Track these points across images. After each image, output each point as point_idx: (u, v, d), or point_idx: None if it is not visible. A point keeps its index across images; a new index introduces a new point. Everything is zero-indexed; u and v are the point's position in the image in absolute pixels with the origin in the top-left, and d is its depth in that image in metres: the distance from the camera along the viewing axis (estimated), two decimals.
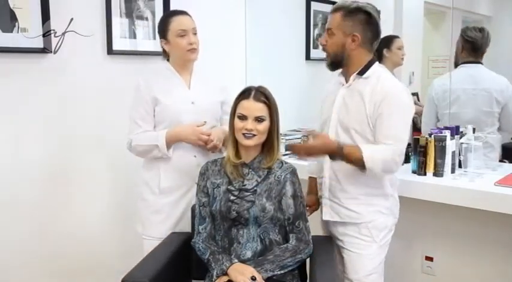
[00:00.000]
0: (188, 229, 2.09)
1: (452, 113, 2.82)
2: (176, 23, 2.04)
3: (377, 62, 1.93)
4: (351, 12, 1.86)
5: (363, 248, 1.93)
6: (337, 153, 1.80)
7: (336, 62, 1.92)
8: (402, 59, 3.11)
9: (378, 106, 1.81)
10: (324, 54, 1.96)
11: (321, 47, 1.96)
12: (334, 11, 1.89)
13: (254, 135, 1.81)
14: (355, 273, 1.94)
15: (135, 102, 2.08)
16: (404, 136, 1.85)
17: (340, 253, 2.00)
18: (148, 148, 2.04)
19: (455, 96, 2.82)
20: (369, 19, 1.86)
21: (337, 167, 1.93)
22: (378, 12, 1.91)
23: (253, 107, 1.81)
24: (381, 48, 2.95)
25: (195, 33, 2.07)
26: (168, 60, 2.14)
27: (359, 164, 1.79)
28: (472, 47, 2.82)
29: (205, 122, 2.06)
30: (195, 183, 2.00)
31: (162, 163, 2.09)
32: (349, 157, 1.80)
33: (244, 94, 1.85)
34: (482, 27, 2.87)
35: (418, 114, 3.04)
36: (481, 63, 2.84)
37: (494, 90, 2.77)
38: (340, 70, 1.97)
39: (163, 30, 2.07)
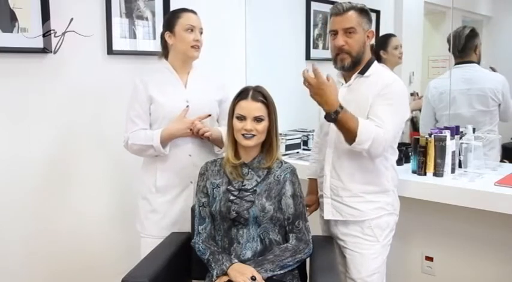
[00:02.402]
0: (186, 229, 2.09)
1: (450, 114, 2.81)
2: (186, 18, 2.07)
3: (376, 61, 1.95)
4: (361, 10, 1.88)
5: (366, 248, 1.93)
6: (336, 109, 1.70)
7: (357, 61, 1.89)
8: (400, 57, 3.10)
9: (374, 96, 1.82)
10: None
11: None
12: (346, 10, 1.86)
13: (253, 135, 1.81)
14: (358, 273, 1.94)
15: (131, 101, 2.09)
16: (393, 125, 1.79)
17: (341, 253, 2.00)
18: (143, 148, 2.05)
19: (452, 97, 2.81)
20: (370, 17, 1.91)
21: (338, 165, 1.93)
22: None
23: (252, 107, 1.81)
24: (377, 50, 2.95)
25: (201, 33, 2.10)
26: (166, 58, 2.14)
27: (351, 133, 1.72)
28: (456, 47, 2.82)
29: (187, 106, 2.05)
30: (190, 182, 2.01)
31: (158, 162, 2.10)
32: (344, 120, 1.71)
33: (242, 94, 1.85)
34: (464, 25, 2.87)
35: (420, 110, 3.05)
36: (476, 62, 2.84)
37: (489, 88, 2.77)
38: (338, 70, 1.97)
39: (171, 22, 2.08)
